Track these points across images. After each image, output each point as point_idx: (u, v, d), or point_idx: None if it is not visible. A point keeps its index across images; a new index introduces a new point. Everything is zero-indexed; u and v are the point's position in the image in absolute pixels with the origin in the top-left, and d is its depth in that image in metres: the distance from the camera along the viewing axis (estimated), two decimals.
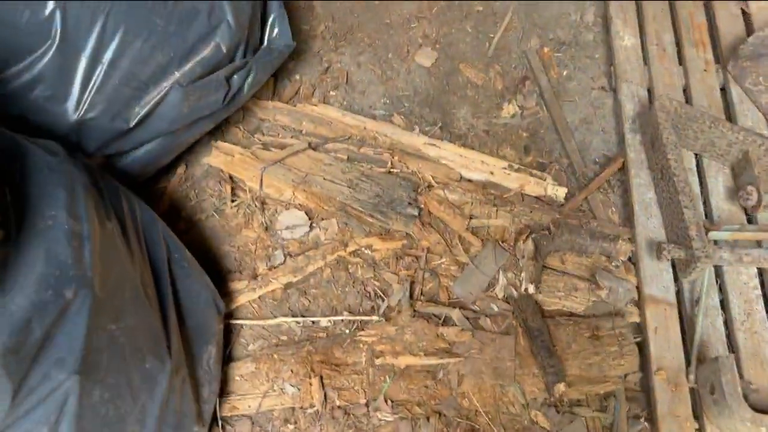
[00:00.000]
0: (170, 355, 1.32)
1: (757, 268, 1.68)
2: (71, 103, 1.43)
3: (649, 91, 1.99)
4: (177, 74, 1.55)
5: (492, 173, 1.89)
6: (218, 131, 1.97)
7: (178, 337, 1.40)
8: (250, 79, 1.72)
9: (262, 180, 1.82)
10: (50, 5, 1.34)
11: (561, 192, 1.88)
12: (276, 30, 1.84)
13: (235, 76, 1.67)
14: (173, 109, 1.55)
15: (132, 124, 1.50)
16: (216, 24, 1.60)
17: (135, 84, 1.48)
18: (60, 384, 1.05)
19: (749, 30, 2.04)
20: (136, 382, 1.22)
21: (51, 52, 1.38)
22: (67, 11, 1.36)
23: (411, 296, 1.71)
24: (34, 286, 1.05)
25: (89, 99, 1.44)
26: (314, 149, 1.92)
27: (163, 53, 1.51)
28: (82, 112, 1.44)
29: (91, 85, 1.43)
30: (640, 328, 1.69)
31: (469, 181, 1.90)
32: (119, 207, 1.41)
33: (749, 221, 1.75)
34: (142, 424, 1.24)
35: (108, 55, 1.43)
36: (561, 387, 1.54)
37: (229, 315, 1.69)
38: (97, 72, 1.43)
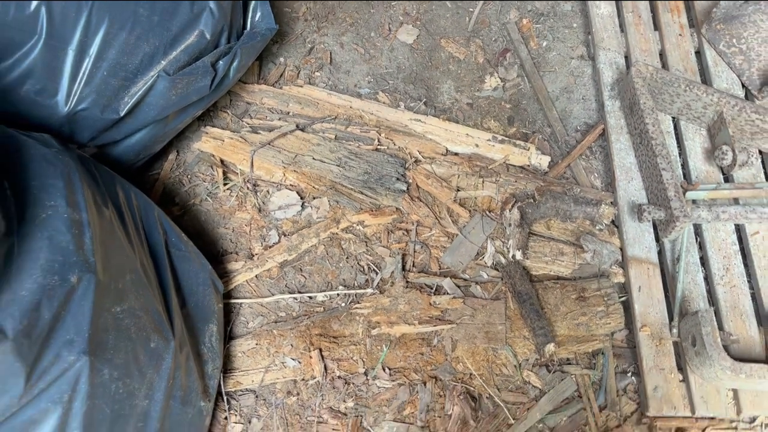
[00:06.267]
0: (173, 334, 1.38)
1: (735, 225, 1.74)
2: (61, 96, 1.47)
3: (627, 57, 2.03)
4: (163, 63, 1.58)
5: (477, 146, 1.94)
6: (207, 116, 2.01)
7: (179, 317, 1.45)
8: (235, 64, 1.75)
9: (252, 162, 1.87)
10: (34, 2, 1.36)
11: (544, 160, 1.93)
12: (258, 14, 1.87)
13: (221, 62, 1.70)
14: (161, 97, 1.58)
15: (122, 113, 1.54)
16: (199, 11, 1.62)
17: (123, 74, 1.52)
18: (71, 364, 1.10)
19: None
20: (143, 360, 1.28)
21: (38, 47, 1.40)
22: (52, 6, 1.38)
23: (403, 268, 1.77)
24: (40, 273, 1.10)
25: (79, 91, 1.47)
26: (302, 130, 1.96)
27: (149, 43, 1.54)
28: (72, 104, 1.48)
29: (79, 77, 1.47)
30: (624, 288, 1.75)
31: (455, 154, 1.95)
32: (115, 195, 1.46)
33: (726, 180, 1.81)
34: (150, 399, 1.30)
35: (94, 48, 1.46)
36: (551, 347, 1.61)
37: (228, 295, 1.74)
38: (85, 64, 1.46)
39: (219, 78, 1.71)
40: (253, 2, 1.87)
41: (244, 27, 1.87)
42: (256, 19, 1.87)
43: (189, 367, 1.43)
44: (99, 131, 1.56)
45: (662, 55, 2.02)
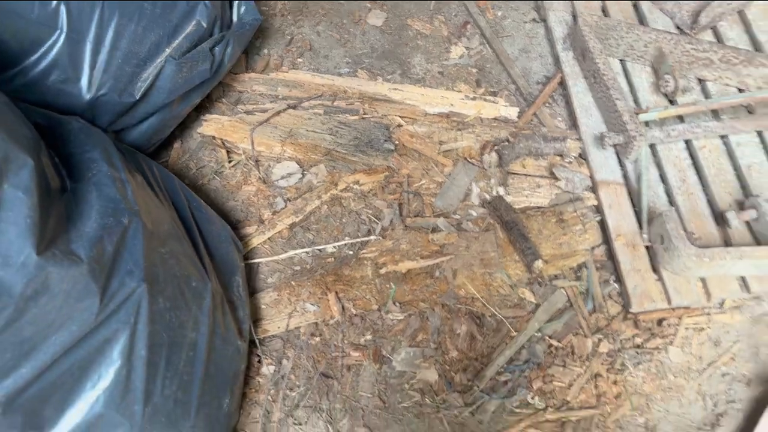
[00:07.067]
0: (209, 278, 1.55)
1: (684, 142, 1.98)
2: (84, 84, 1.64)
3: (574, 16, 2.29)
4: (168, 50, 1.77)
5: (452, 105, 2.16)
6: (204, 108, 2.19)
7: (210, 266, 1.62)
8: (229, 50, 1.94)
9: (252, 140, 2.05)
10: (54, 0, 1.55)
11: (513, 111, 2.15)
12: (243, 8, 2.07)
13: (217, 48, 1.89)
14: (169, 81, 1.77)
15: (137, 96, 1.72)
16: (194, 4, 1.81)
17: (135, 61, 1.70)
18: (133, 290, 1.27)
19: None
20: (188, 296, 1.45)
21: (61, 41, 1.58)
22: (70, 3, 1.57)
23: (400, 215, 1.96)
24: (97, 215, 1.27)
25: (99, 78, 1.65)
26: (293, 108, 2.15)
27: (154, 33, 1.72)
28: (94, 91, 1.65)
29: (98, 66, 1.64)
30: (597, 210, 1.97)
31: (434, 114, 2.16)
32: (139, 165, 1.63)
33: (671, 104, 2.05)
34: (197, 332, 1.46)
35: (108, 39, 1.64)
36: (539, 264, 1.82)
37: (246, 257, 1.91)
38: (102, 54, 1.64)
39: (217, 63, 1.90)
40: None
41: (232, 20, 2.07)
42: (242, 12, 2.07)
43: (224, 309, 1.60)
44: (117, 115, 1.73)
45: (604, 10, 2.28)
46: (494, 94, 2.23)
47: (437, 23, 2.39)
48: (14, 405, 1.13)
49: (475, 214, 1.98)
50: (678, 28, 2.19)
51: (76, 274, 1.15)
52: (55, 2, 1.55)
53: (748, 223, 1.83)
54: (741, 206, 1.84)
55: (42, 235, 1.12)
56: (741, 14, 2.17)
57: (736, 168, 1.93)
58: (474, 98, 2.17)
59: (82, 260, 1.17)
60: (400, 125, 2.13)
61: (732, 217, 1.79)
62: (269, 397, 1.74)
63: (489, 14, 2.40)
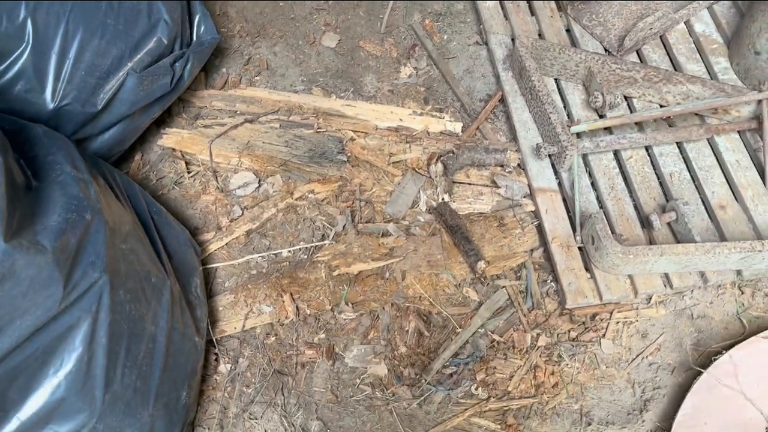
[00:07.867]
0: (168, 276, 1.63)
1: (613, 152, 2.16)
2: (48, 94, 1.73)
3: (513, 39, 2.47)
4: (130, 64, 1.87)
5: (401, 120, 2.31)
6: (163, 123, 2.28)
7: (169, 266, 1.70)
8: (189, 66, 2.05)
9: (211, 151, 2.15)
10: (22, 13, 1.64)
11: (458, 126, 2.31)
12: (202, 27, 2.19)
13: (177, 63, 2.00)
14: (131, 93, 1.86)
15: (100, 107, 1.81)
16: (155, 22, 1.93)
17: (98, 74, 1.79)
18: (95, 281, 1.35)
19: None
20: (147, 291, 1.52)
21: (27, 52, 1.67)
22: (36, 18, 1.66)
23: (353, 221, 2.08)
24: (62, 210, 1.36)
25: (62, 89, 1.74)
26: (251, 122, 2.26)
27: (117, 47, 1.83)
28: (58, 101, 1.74)
29: (62, 77, 1.74)
30: (535, 215, 2.12)
31: (384, 129, 2.30)
32: (101, 171, 1.72)
33: (601, 118, 2.24)
34: (156, 326, 1.54)
35: (73, 52, 1.74)
36: (482, 264, 1.95)
37: (203, 262, 1.99)
38: (66, 66, 1.74)
39: (177, 77, 2.01)
40: (197, 18, 2.19)
41: (192, 39, 2.18)
42: (201, 31, 2.19)
43: (182, 307, 1.68)
44: (80, 124, 1.82)
45: (540, 34, 2.47)
46: (440, 110, 2.39)
47: (387, 45, 2.55)
48: None
49: (422, 219, 2.10)
50: (606, 50, 2.39)
51: (41, 262, 1.23)
52: (22, 16, 1.65)
53: (669, 225, 2.01)
54: (663, 209, 2.02)
55: (9, 225, 1.19)
56: (662, 38, 2.39)
57: (659, 175, 2.11)
58: (422, 114, 2.32)
59: (47, 249, 1.25)
60: (352, 138, 2.26)
61: (655, 219, 1.95)
62: (226, 394, 1.81)
63: (436, 38, 2.57)
